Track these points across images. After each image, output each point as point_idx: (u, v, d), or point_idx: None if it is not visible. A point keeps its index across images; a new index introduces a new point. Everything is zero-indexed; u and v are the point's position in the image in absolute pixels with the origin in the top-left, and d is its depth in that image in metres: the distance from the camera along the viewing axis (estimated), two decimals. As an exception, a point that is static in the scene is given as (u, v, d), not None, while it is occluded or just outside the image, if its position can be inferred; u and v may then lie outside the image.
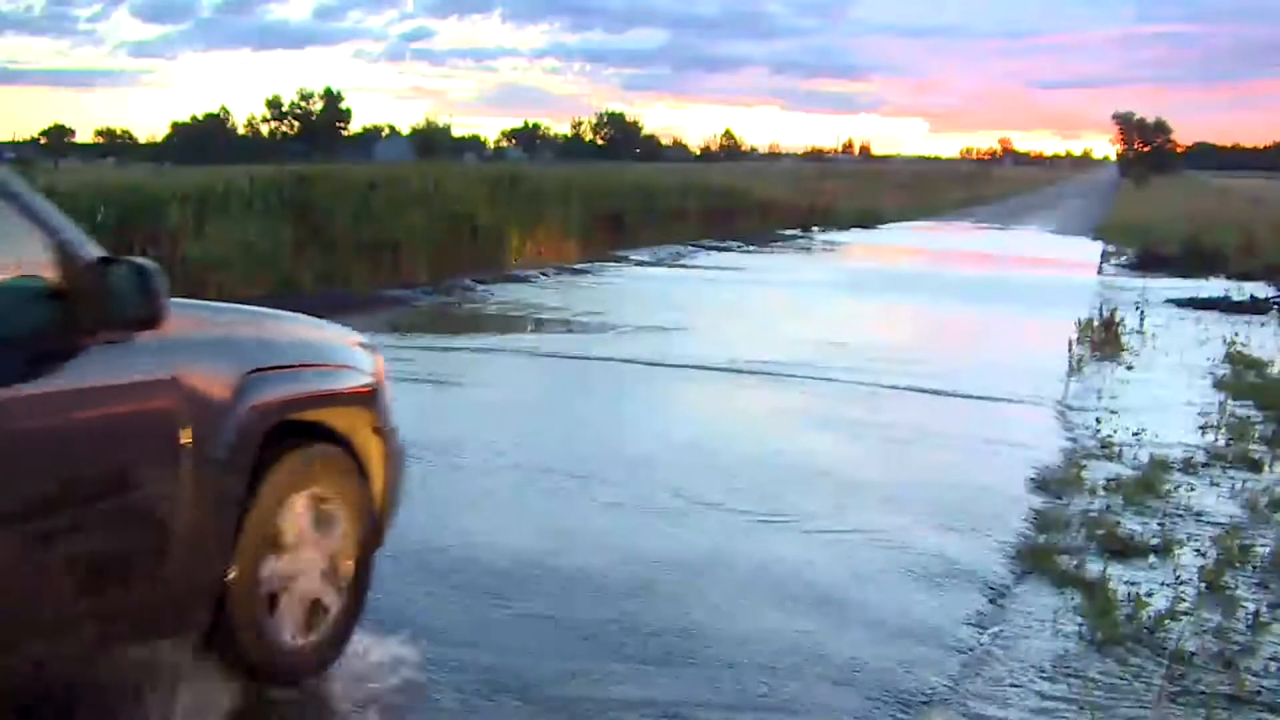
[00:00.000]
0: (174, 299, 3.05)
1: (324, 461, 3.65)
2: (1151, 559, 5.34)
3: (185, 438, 3.10)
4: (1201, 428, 8.12)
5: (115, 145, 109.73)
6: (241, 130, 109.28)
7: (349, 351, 3.98)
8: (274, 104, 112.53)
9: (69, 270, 2.86)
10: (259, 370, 3.38)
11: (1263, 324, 14.00)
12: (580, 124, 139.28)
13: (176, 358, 3.11)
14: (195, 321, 3.25)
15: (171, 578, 3.14)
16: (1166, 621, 4.53)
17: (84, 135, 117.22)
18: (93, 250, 2.97)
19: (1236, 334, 12.34)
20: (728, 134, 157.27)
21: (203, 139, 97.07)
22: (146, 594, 3.12)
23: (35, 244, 2.86)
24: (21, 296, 2.81)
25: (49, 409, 2.81)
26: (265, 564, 3.42)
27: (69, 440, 2.87)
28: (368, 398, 3.89)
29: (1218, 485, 6.70)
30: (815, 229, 31.48)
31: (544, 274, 17.18)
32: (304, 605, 3.57)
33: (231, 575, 3.29)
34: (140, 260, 2.98)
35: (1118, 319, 12.18)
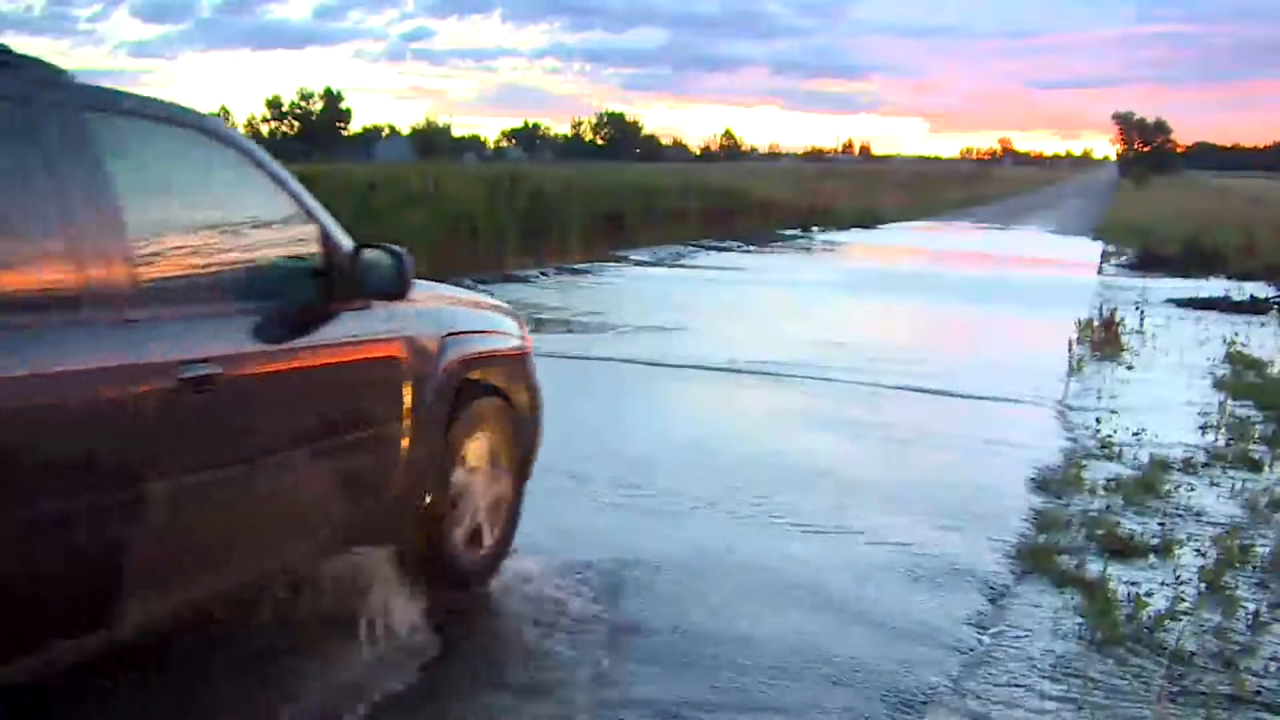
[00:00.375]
0: None
1: (492, 410, 4.51)
2: (1151, 559, 5.35)
3: (408, 384, 3.96)
4: (1201, 428, 8.12)
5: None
6: (242, 130, 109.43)
7: (507, 320, 4.82)
8: (274, 104, 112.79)
9: (329, 253, 3.78)
10: (452, 334, 4.25)
11: (1263, 324, 14.01)
12: (580, 124, 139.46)
13: (402, 321, 3.96)
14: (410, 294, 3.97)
15: (393, 495, 3.97)
16: (1166, 621, 4.54)
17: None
18: (347, 239, 3.89)
19: (1236, 334, 12.35)
20: (728, 134, 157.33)
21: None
22: (374, 507, 3.95)
23: (309, 232, 3.79)
24: (296, 273, 3.69)
25: (314, 357, 3.61)
26: (452, 491, 4.28)
27: (327, 382, 3.68)
28: (521, 359, 4.82)
29: (1218, 485, 6.71)
30: (815, 229, 31.49)
31: (543, 274, 17.18)
32: (474, 526, 4.42)
33: (428, 499, 4.14)
34: (394, 247, 3.84)
35: (1118, 319, 12.20)
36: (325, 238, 3.83)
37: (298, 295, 3.66)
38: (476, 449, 4.41)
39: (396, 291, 3.84)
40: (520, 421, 4.73)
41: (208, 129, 3.54)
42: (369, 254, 3.80)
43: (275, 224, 3.74)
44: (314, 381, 3.63)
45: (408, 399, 3.96)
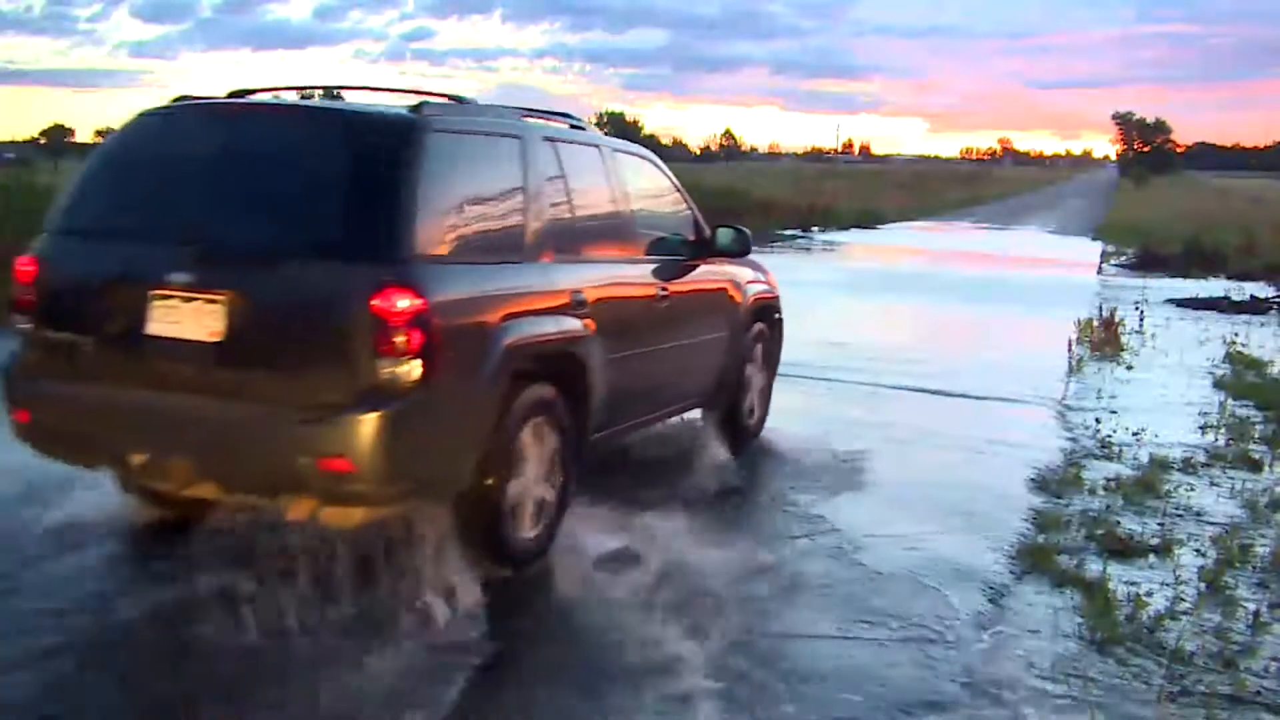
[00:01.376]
0: None
1: (763, 330, 7.23)
2: (1151, 559, 5.35)
3: (732, 308, 6.73)
4: (1201, 428, 8.12)
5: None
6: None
7: (768, 275, 7.40)
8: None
9: (698, 230, 6.52)
10: (750, 282, 7.02)
11: (1263, 324, 14.00)
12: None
13: (732, 271, 6.80)
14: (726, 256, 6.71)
15: (719, 371, 6.66)
16: (1166, 621, 4.54)
17: (84, 135, 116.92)
18: (705, 223, 6.56)
19: (1236, 334, 12.35)
20: (728, 134, 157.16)
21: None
22: (711, 375, 6.62)
23: (689, 216, 6.54)
24: (678, 242, 6.34)
25: (683, 293, 6.12)
26: (744, 378, 7.02)
27: (685, 306, 6.14)
28: (775, 301, 7.40)
29: (1218, 485, 6.71)
30: (815, 229, 31.48)
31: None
32: (750, 404, 7.23)
33: (734, 379, 6.91)
34: (739, 226, 6.62)
35: (1117, 319, 12.19)
36: (695, 221, 6.58)
37: (685, 253, 6.37)
38: (758, 353, 7.17)
39: (736, 253, 6.66)
40: (773, 341, 7.42)
41: (646, 156, 6.48)
42: (721, 231, 6.55)
43: (673, 213, 6.49)
44: (694, 300, 6.32)
45: (728, 317, 6.73)
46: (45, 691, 3.61)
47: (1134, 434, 7.77)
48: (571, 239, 5.21)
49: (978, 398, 9.15)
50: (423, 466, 4.23)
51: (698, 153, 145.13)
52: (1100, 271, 21.64)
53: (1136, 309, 13.80)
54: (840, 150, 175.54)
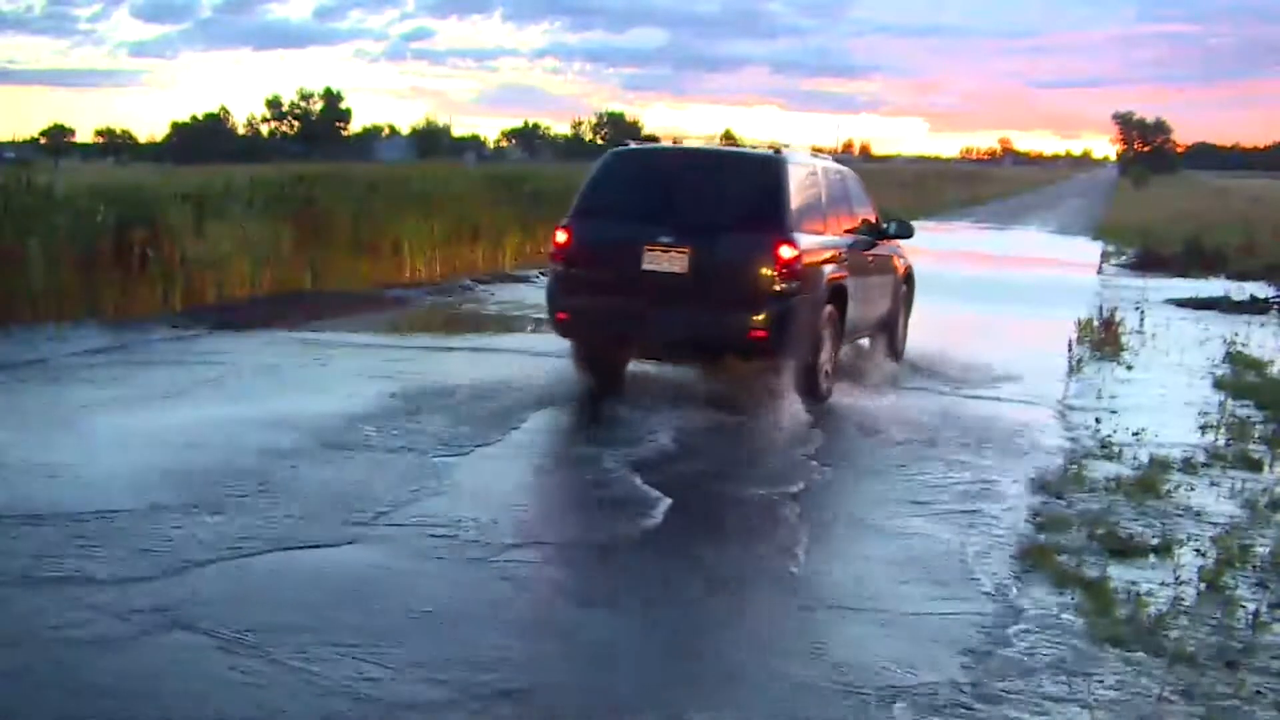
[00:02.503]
0: None
1: (909, 289, 10.78)
2: (1151, 559, 5.35)
3: (897, 271, 10.41)
4: (1201, 428, 8.12)
5: (115, 145, 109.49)
6: (241, 130, 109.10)
7: (905, 254, 10.77)
8: (274, 104, 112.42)
9: (875, 219, 9.81)
10: (900, 257, 10.57)
11: (1263, 324, 13.98)
12: (580, 124, 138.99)
13: (896, 249, 10.41)
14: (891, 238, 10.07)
15: (889, 311, 10.13)
16: (1166, 621, 4.53)
17: (84, 135, 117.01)
18: (875, 214, 9.99)
19: (1236, 334, 12.34)
20: (728, 134, 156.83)
21: (203, 139, 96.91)
22: (884, 315, 10.05)
23: (871, 212, 9.94)
24: (869, 227, 9.56)
25: (873, 258, 9.60)
26: (900, 319, 10.62)
27: (875, 267, 9.66)
28: (910, 270, 10.87)
29: (1218, 485, 6.71)
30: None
31: (543, 274, 17.09)
32: (902, 334, 10.75)
33: (896, 319, 10.48)
34: (903, 219, 10.51)
35: (1117, 319, 12.18)
36: (875, 215, 9.83)
37: (872, 235, 9.50)
38: (905, 301, 10.63)
39: (901, 236, 10.08)
40: (910, 295, 10.85)
41: (854, 175, 9.93)
42: (891, 222, 9.98)
43: (864, 209, 9.68)
44: (881, 264, 9.83)
45: (897, 280, 10.32)
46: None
47: (1134, 434, 7.76)
48: (836, 222, 8.92)
49: (978, 397, 9.14)
50: (793, 338, 7.74)
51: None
52: (1100, 271, 21.61)
53: (1136, 309, 13.78)
54: (840, 150, 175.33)
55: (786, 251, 7.71)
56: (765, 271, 7.71)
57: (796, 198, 8.16)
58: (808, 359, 7.99)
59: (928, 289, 11.53)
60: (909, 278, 10.80)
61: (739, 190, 8.27)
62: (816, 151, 9.84)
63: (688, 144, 9.15)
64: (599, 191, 8.40)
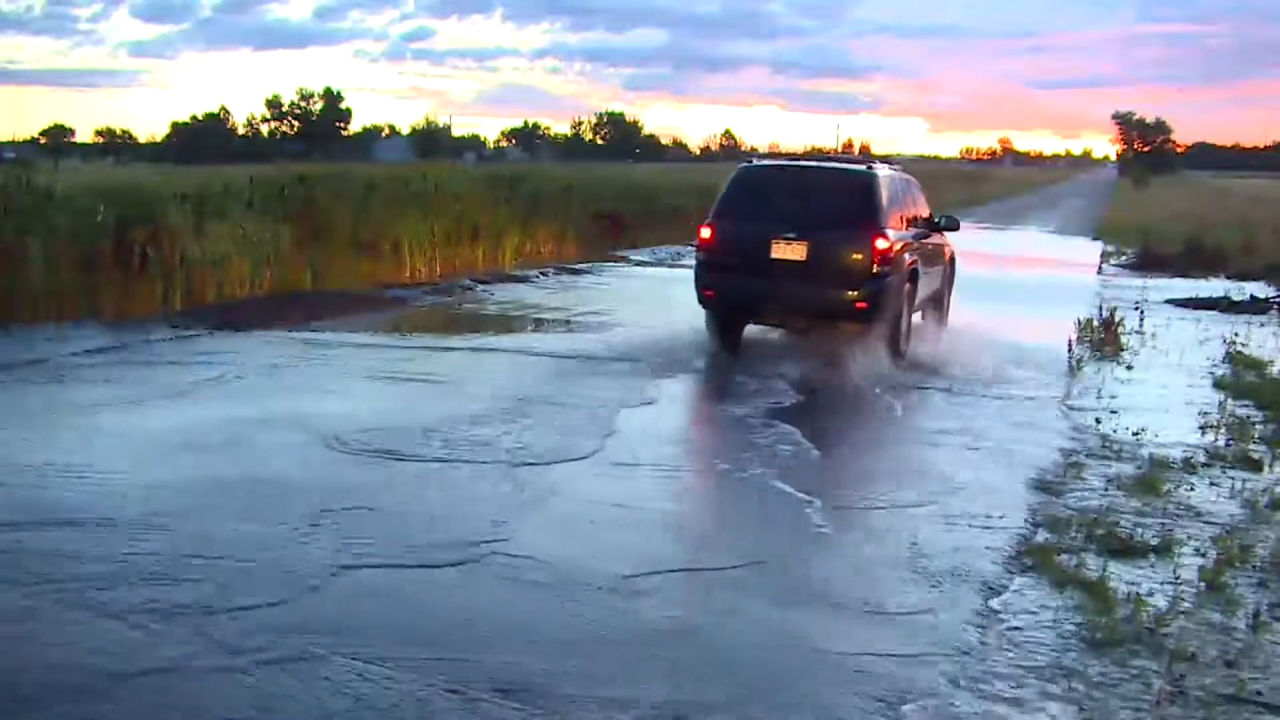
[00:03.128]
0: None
1: (951, 270, 12.89)
2: (1151, 559, 5.35)
3: (945, 259, 12.61)
4: (1201, 427, 8.12)
5: (115, 145, 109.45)
6: (241, 130, 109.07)
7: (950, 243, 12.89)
8: (274, 104, 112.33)
9: (929, 214, 12.02)
10: (947, 245, 12.67)
11: (1263, 324, 13.98)
12: (580, 124, 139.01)
13: (946, 240, 12.63)
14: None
15: (938, 290, 12.37)
16: (1166, 621, 4.53)
17: (84, 135, 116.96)
18: (929, 210, 12.20)
19: (1236, 334, 12.34)
20: (728, 134, 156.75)
21: (202, 139, 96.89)
22: (935, 293, 12.23)
23: (925, 210, 12.04)
24: (924, 220, 11.74)
25: (931, 246, 11.74)
26: (945, 298, 12.86)
27: (932, 253, 11.79)
28: (954, 255, 13.06)
29: (1218, 485, 6.71)
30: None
31: (543, 274, 17.15)
32: (946, 309, 12.93)
33: (942, 295, 12.76)
34: (951, 215, 13.04)
35: (1117, 318, 12.18)
36: (929, 210, 12.05)
37: (928, 228, 11.71)
38: (950, 282, 12.84)
39: (949, 228, 12.35)
40: (953, 277, 12.89)
41: (915, 179, 12.01)
42: (941, 218, 12.22)
43: (922, 207, 11.82)
44: (935, 251, 11.89)
45: (944, 261, 12.48)
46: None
47: (1134, 433, 7.77)
48: (907, 218, 10.99)
49: (977, 397, 9.14)
50: (885, 309, 9.95)
51: (698, 153, 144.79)
52: (1100, 271, 21.62)
53: (1136, 308, 13.78)
54: (841, 150, 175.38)
55: (881, 244, 9.95)
56: (865, 258, 9.89)
57: (885, 202, 10.31)
58: (894, 324, 10.20)
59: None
60: (952, 261, 13.00)
61: (843, 197, 10.44)
62: (884, 159, 12.95)
63: (809, 162, 11.72)
64: (733, 197, 10.71)
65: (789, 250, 10.00)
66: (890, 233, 10.13)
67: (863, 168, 10.77)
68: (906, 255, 10.49)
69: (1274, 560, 5.34)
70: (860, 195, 10.30)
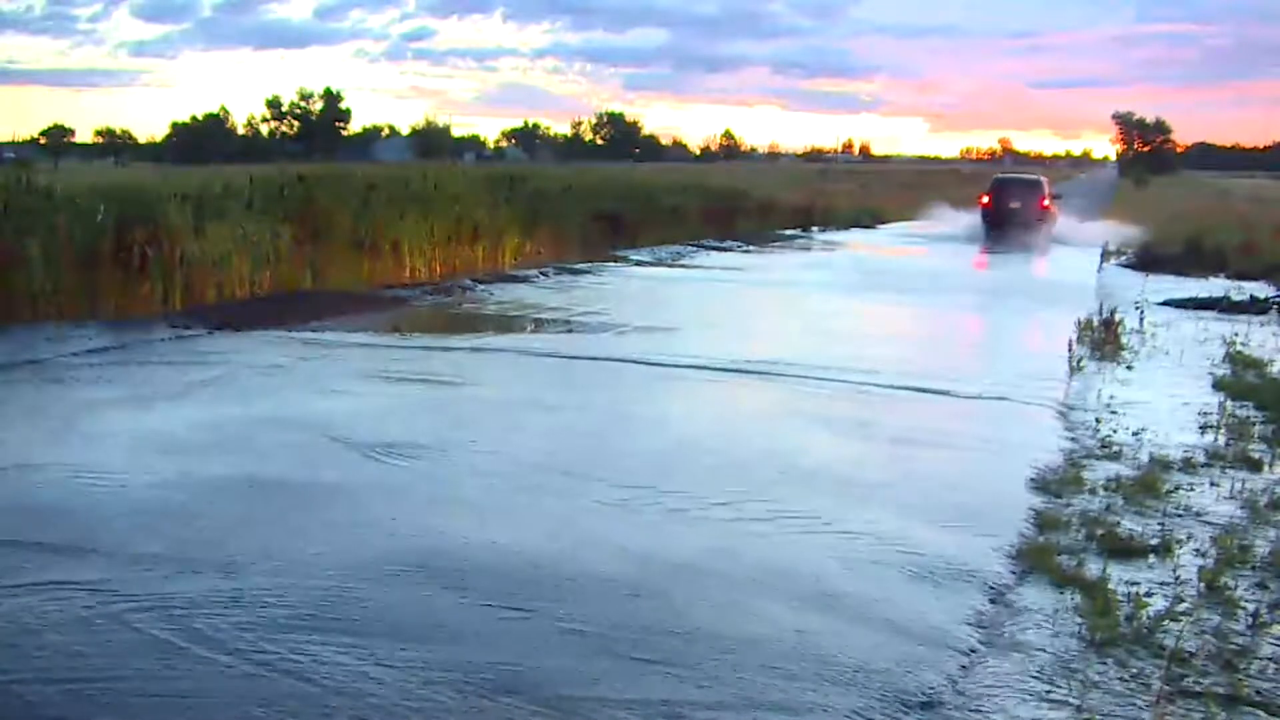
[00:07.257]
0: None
1: (1053, 218, 31.38)
2: (1151, 559, 5.34)
3: (1053, 212, 31.18)
4: (1201, 428, 8.11)
5: (115, 145, 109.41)
6: (241, 130, 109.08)
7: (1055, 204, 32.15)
8: (274, 104, 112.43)
9: (1051, 190, 33.74)
10: (1054, 205, 31.83)
11: (1263, 324, 13.98)
12: (580, 124, 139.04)
13: (1055, 203, 31.93)
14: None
15: (1053, 227, 30.98)
16: (1166, 621, 4.53)
17: (84, 135, 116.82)
18: (1051, 188, 32.49)
19: (1236, 334, 12.33)
20: (728, 134, 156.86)
21: (202, 139, 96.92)
22: (1053, 226, 30.66)
23: (1049, 186, 32.42)
24: (1050, 197, 32.37)
25: (1052, 205, 31.36)
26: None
27: (1053, 208, 31.64)
28: (1055, 210, 31.40)
29: (1218, 485, 6.70)
30: (815, 229, 31.48)
31: (543, 274, 17.15)
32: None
33: None
34: (1056, 194, 34.47)
35: (1117, 318, 12.17)
36: (1051, 188, 32.98)
37: (1053, 199, 32.15)
38: (1052, 221, 30.78)
39: (1056, 198, 32.10)
40: (1054, 220, 30.70)
41: (1046, 178, 34.28)
42: (1054, 197, 31.78)
43: (1049, 188, 32.43)
44: (1053, 206, 31.18)
45: (1053, 213, 30.96)
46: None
47: (1134, 434, 7.76)
48: (1050, 195, 30.73)
49: (978, 397, 9.14)
50: (1048, 224, 29.55)
51: (698, 153, 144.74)
52: (1100, 271, 21.64)
53: (1136, 308, 13.79)
54: (840, 150, 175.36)
55: (1047, 203, 29.38)
56: (1043, 207, 28.93)
57: (1047, 187, 30.18)
58: (1050, 230, 28.29)
59: (925, 288, 11.56)
60: (1053, 213, 29.60)
61: (1033, 186, 30.38)
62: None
63: (1012, 173, 35.19)
64: (994, 186, 30.47)
65: (1017, 205, 28.86)
66: (1048, 201, 29.10)
67: (1039, 176, 29.17)
68: (1052, 209, 29.46)
69: (1274, 560, 5.34)
70: (1039, 186, 30.16)
